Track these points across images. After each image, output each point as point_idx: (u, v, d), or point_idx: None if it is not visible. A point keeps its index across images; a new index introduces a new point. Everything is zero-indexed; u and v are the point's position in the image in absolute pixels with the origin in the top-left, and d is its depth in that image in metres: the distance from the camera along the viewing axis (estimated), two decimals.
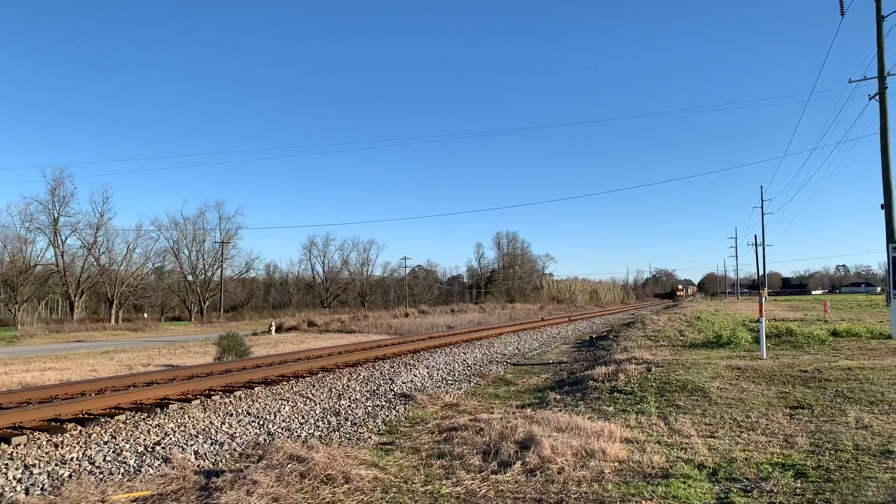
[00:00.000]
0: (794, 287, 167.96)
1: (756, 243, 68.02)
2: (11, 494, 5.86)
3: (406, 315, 54.05)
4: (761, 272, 65.33)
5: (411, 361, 16.05)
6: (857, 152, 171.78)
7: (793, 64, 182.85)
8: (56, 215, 67.52)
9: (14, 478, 6.22)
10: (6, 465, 6.53)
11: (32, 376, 15.62)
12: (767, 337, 15.68)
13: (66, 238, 69.24)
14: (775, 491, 5.17)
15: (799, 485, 5.31)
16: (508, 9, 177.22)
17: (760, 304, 15.23)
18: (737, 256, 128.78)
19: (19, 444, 7.24)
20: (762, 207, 64.42)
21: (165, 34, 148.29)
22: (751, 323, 23.98)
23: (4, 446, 7.13)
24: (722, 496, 5.12)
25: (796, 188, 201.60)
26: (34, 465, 6.58)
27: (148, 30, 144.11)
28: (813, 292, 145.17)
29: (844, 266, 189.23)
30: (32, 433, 7.73)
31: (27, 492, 5.95)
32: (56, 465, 6.68)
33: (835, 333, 18.62)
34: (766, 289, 62.62)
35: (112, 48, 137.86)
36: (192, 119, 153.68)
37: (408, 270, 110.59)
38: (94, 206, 73.45)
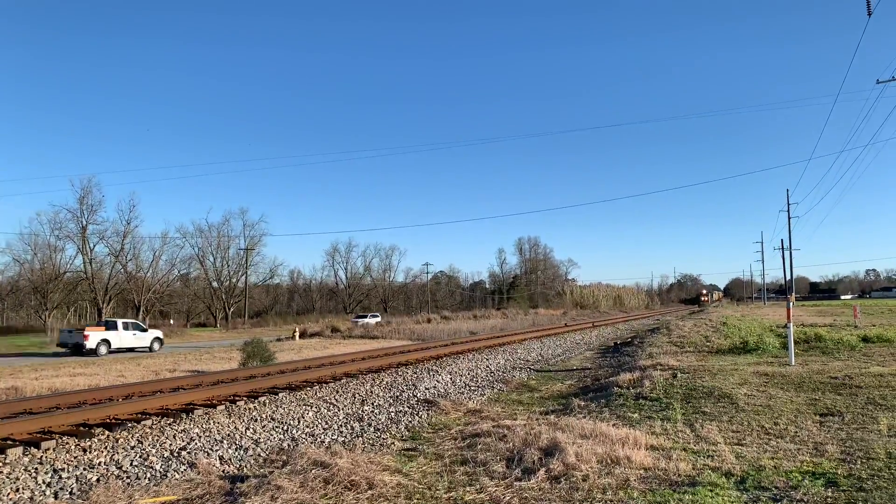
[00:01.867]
0: (822, 292, 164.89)
1: (783, 247, 66.97)
2: (41, 498, 5.95)
3: (428, 321, 54.12)
4: (788, 277, 64.27)
5: (434, 367, 16.03)
6: (886, 154, 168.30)
7: (819, 66, 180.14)
8: (84, 223, 68.59)
9: (43, 482, 6.32)
10: (36, 469, 6.64)
11: (62, 382, 15.90)
12: (796, 343, 15.40)
13: (94, 246, 70.30)
14: (805, 500, 5.06)
15: (830, 494, 5.19)
16: (537, 14, 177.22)
17: (788, 309, 15.01)
18: (763, 261, 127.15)
19: (48, 449, 7.36)
20: (788, 211, 63.26)
21: (190, 47, 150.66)
22: (778, 328, 23.58)
23: (34, 451, 7.26)
24: None
25: (824, 191, 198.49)
26: (63, 470, 6.68)
27: (171, 42, 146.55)
28: (842, 297, 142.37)
29: (874, 270, 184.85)
30: (61, 438, 7.85)
31: (56, 496, 6.04)
32: (84, 469, 6.77)
33: (865, 339, 18.23)
34: (793, 294, 61.61)
35: (137, 61, 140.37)
36: (216, 128, 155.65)
37: (430, 276, 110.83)
38: (121, 214, 74.58)
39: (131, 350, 31.33)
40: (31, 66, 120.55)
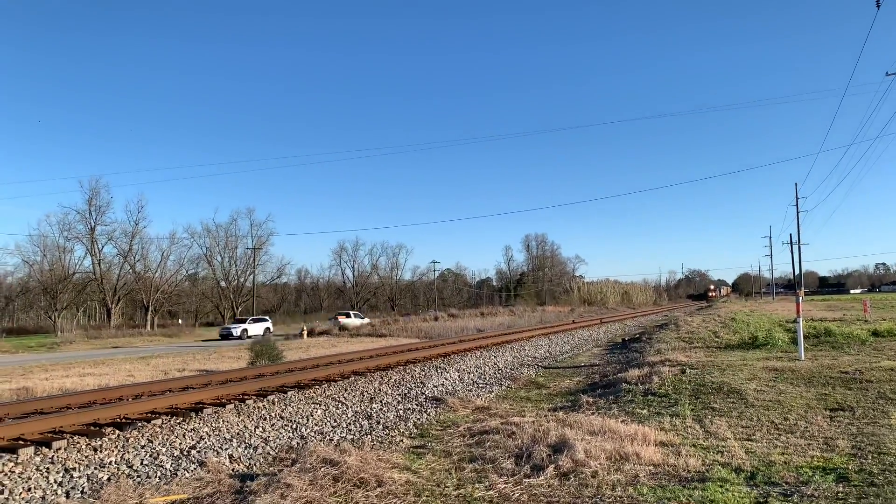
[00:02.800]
0: (831, 286, 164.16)
1: (791, 242, 66.54)
2: (52, 497, 5.99)
3: (436, 318, 54.08)
4: (797, 271, 63.88)
5: (442, 365, 16.04)
6: (895, 147, 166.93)
7: (828, 59, 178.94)
8: (93, 224, 69.21)
9: (55, 481, 6.36)
10: (47, 468, 6.68)
11: (72, 382, 16.00)
12: (805, 337, 15.33)
13: (103, 246, 70.95)
14: (816, 495, 5.04)
15: (841, 489, 5.17)
16: (546, 9, 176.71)
17: (797, 303, 14.95)
18: (771, 256, 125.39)
19: (60, 448, 7.40)
20: (797, 205, 62.82)
21: (197, 46, 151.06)
22: (787, 323, 23.49)
23: (45, 450, 7.30)
24: (760, 500, 5.01)
25: (833, 185, 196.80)
26: (74, 469, 6.72)
27: (179, 42, 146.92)
28: (851, 291, 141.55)
29: (884, 264, 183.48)
30: (72, 437, 7.90)
31: (68, 495, 6.08)
32: (95, 468, 6.81)
33: (876, 333, 18.13)
34: (802, 288, 61.26)
35: (144, 61, 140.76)
36: (223, 127, 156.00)
37: (437, 274, 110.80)
38: (130, 215, 75.19)
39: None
40: (38, 67, 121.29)
